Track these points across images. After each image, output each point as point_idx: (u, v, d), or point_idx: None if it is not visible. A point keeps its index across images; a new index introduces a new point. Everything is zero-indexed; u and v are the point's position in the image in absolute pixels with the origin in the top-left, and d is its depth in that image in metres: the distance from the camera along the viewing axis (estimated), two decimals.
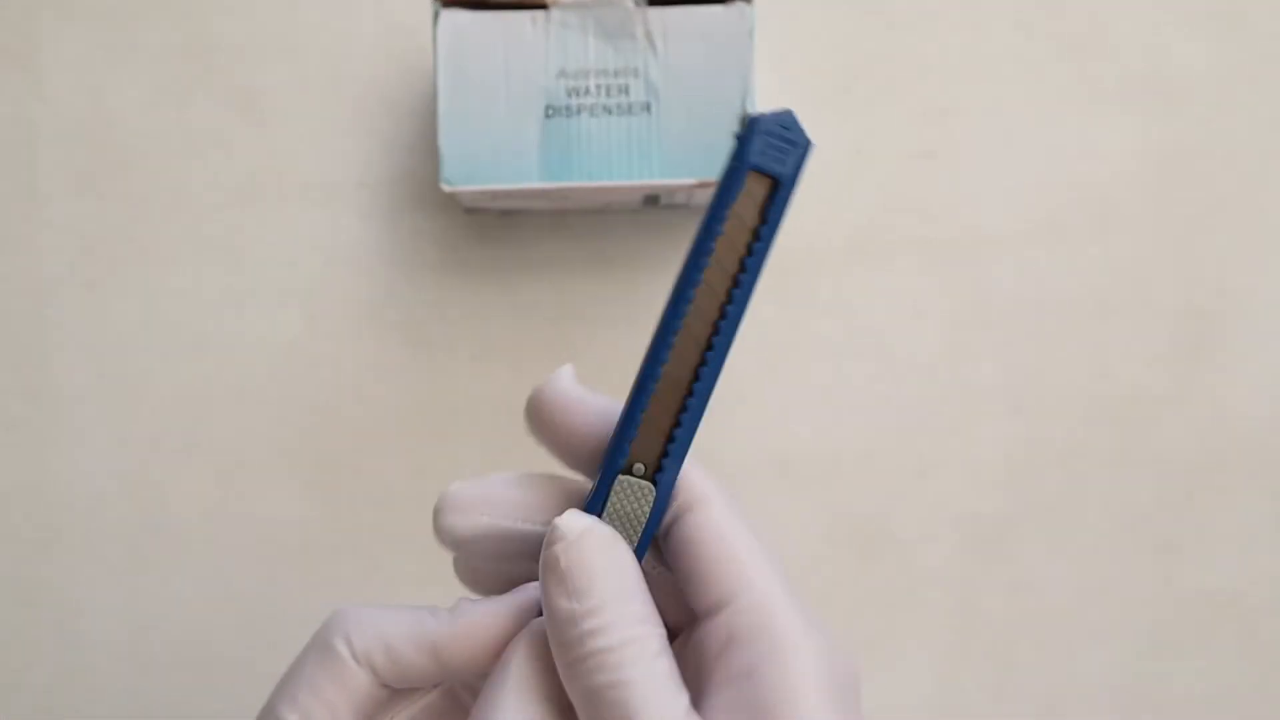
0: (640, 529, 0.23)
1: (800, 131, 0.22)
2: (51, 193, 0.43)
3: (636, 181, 0.37)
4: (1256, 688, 0.44)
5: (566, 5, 0.36)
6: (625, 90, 0.36)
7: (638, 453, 0.23)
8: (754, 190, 0.22)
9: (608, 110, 0.36)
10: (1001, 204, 0.43)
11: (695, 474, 0.24)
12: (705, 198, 0.39)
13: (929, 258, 0.43)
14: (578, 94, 0.36)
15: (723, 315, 0.23)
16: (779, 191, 0.22)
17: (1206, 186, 0.43)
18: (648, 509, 0.23)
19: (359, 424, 0.43)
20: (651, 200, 0.40)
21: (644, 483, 0.23)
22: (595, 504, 0.23)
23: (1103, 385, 0.43)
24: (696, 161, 0.37)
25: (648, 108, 0.37)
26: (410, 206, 0.43)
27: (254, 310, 0.43)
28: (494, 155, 0.36)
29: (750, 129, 0.22)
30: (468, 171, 0.36)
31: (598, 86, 0.36)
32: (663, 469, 0.23)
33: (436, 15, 0.36)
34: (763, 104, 0.42)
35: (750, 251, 0.22)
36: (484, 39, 0.36)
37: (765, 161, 0.22)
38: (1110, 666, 0.44)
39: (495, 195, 0.37)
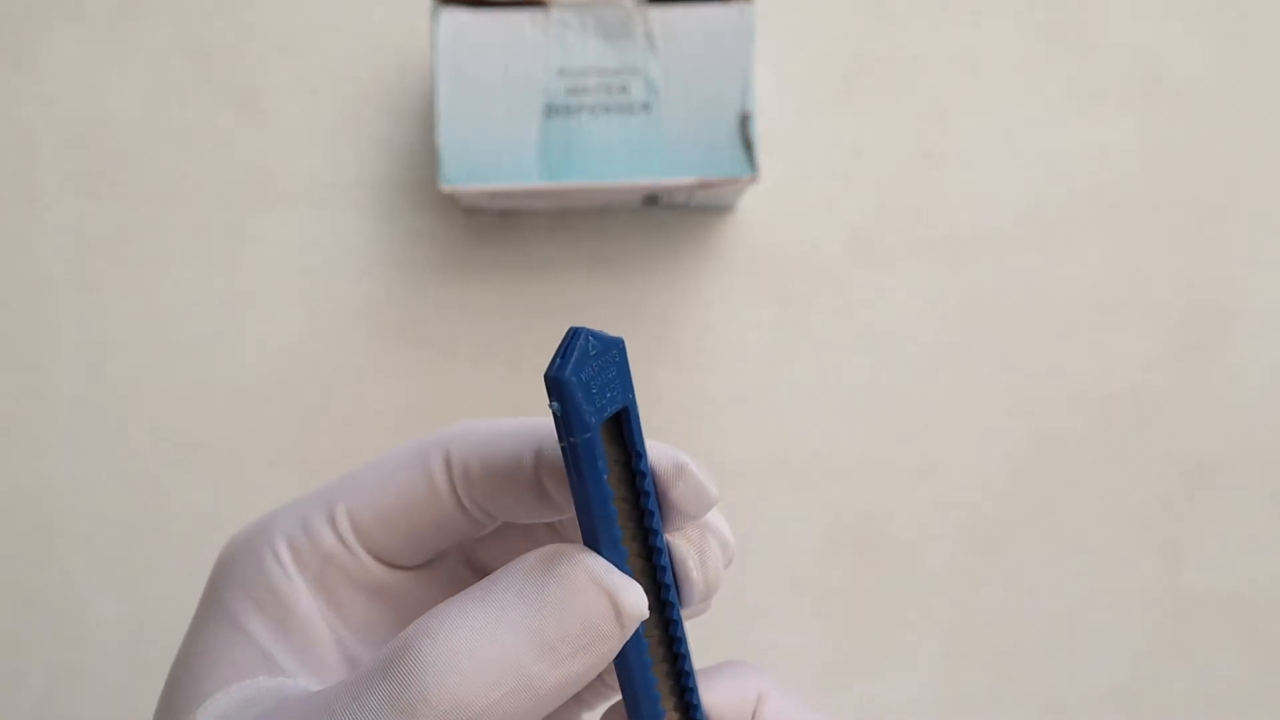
0: None
1: (593, 343, 0.18)
2: (50, 193, 0.43)
3: (636, 181, 0.36)
4: (1258, 688, 0.44)
5: (566, 4, 0.36)
6: (625, 89, 0.36)
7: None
8: (605, 439, 0.19)
9: (607, 109, 0.36)
10: (1001, 204, 0.43)
11: (742, 677, 0.22)
12: (705, 198, 0.39)
13: (929, 258, 0.43)
14: (577, 93, 0.36)
15: (660, 578, 0.20)
16: (630, 415, 0.19)
17: (1206, 186, 0.43)
18: None
19: (358, 424, 0.43)
20: (651, 200, 0.40)
21: None
22: None
23: (1104, 385, 0.43)
24: (696, 161, 0.37)
25: (647, 107, 0.36)
26: (409, 206, 0.43)
27: (253, 310, 0.43)
28: (493, 155, 0.36)
29: (561, 392, 0.18)
30: (467, 171, 0.36)
31: (597, 85, 0.36)
32: (695, 705, 0.21)
33: (436, 14, 0.36)
34: (763, 104, 0.42)
35: (642, 490, 0.20)
36: (483, 38, 0.36)
37: (603, 404, 0.18)
38: (1111, 667, 0.44)
39: (494, 195, 0.37)
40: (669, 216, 0.43)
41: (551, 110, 0.36)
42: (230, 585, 0.22)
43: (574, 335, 0.18)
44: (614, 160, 0.36)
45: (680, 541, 0.21)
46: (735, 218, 0.43)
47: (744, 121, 0.37)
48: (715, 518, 0.21)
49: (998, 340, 0.43)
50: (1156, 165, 0.43)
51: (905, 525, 0.43)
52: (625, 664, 0.20)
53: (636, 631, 0.20)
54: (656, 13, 0.36)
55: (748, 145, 0.37)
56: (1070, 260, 0.43)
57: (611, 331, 0.42)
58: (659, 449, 0.20)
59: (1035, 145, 0.43)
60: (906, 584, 0.43)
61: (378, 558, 0.22)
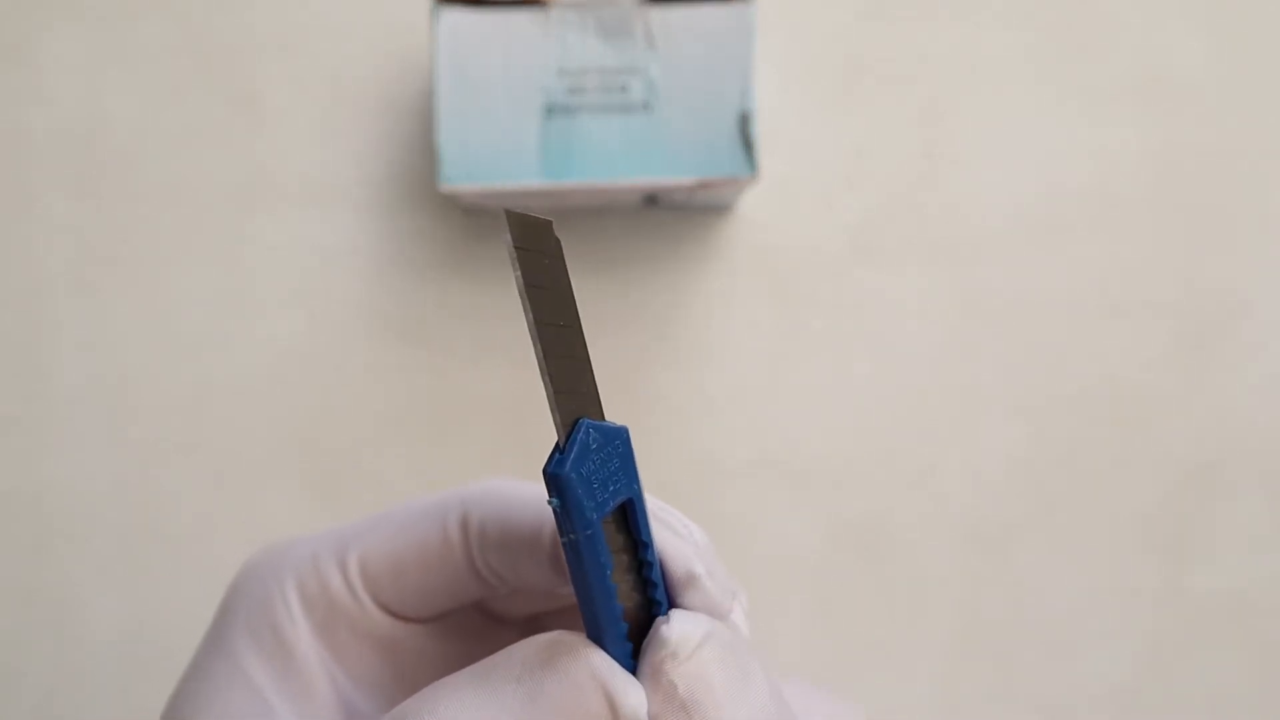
0: None
1: (594, 435, 0.17)
2: (48, 192, 0.42)
3: (636, 181, 0.36)
4: (1260, 689, 0.44)
5: (566, 3, 0.36)
6: (625, 89, 0.36)
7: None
8: (610, 531, 0.18)
9: (607, 109, 0.36)
10: (1001, 204, 0.43)
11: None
12: (705, 198, 0.39)
13: (929, 258, 0.43)
14: (577, 93, 0.36)
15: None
16: (635, 506, 0.19)
17: (1207, 185, 0.43)
18: None
19: (357, 424, 0.43)
20: (651, 200, 0.40)
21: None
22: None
23: (1104, 385, 0.43)
24: (696, 161, 0.37)
25: (647, 107, 0.36)
26: (409, 206, 0.43)
27: (252, 310, 0.43)
28: (493, 154, 0.36)
29: (561, 488, 0.17)
30: (467, 170, 0.36)
31: (597, 85, 0.36)
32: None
33: (435, 13, 0.36)
34: (763, 104, 0.42)
35: (649, 581, 0.19)
36: (483, 37, 0.36)
37: (605, 498, 0.18)
38: (1112, 668, 0.44)
39: (494, 195, 0.37)
40: (669, 216, 0.43)
41: (551, 110, 0.36)
42: (235, 621, 0.21)
43: (575, 428, 0.17)
44: (614, 160, 0.36)
45: None
46: (735, 218, 0.43)
47: (744, 121, 0.37)
48: (735, 616, 0.20)
49: (998, 340, 0.43)
50: (1157, 165, 0.43)
51: (905, 525, 0.43)
52: None
53: None
54: (656, 12, 0.36)
55: (748, 145, 0.37)
56: (1070, 260, 0.43)
57: (610, 332, 0.43)
58: (674, 552, 0.19)
59: (1035, 145, 0.43)
60: (906, 584, 0.43)
61: (386, 608, 0.21)
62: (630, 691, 0.18)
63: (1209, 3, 0.43)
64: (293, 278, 0.43)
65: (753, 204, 0.43)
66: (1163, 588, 0.43)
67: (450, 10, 0.36)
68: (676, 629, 0.18)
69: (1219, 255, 0.43)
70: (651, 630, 0.19)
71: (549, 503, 0.17)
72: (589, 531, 0.17)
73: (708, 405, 0.43)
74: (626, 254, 0.43)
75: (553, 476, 0.17)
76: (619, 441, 0.18)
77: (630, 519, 0.19)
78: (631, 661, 0.19)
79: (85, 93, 0.42)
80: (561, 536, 0.18)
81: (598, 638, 0.18)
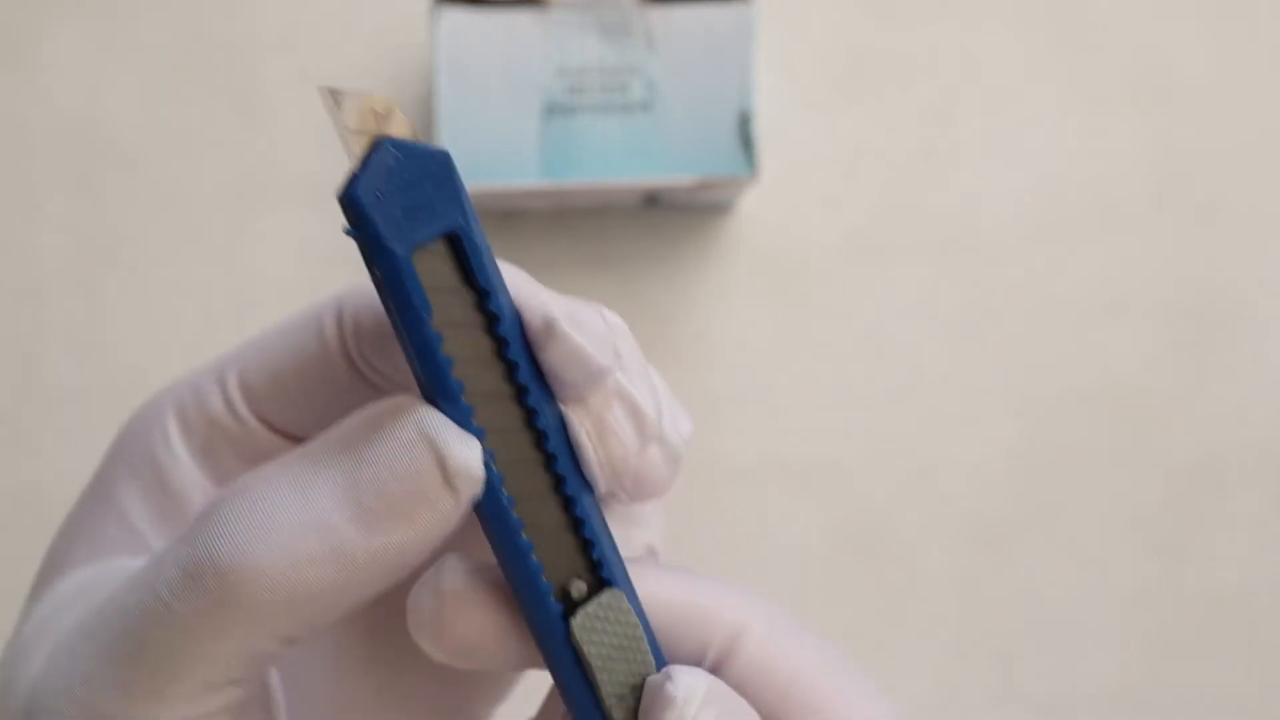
0: (645, 643, 0.17)
1: (395, 155, 0.15)
2: (48, 191, 0.42)
3: (636, 180, 0.36)
4: (1260, 690, 0.44)
5: (566, 3, 0.36)
6: (625, 89, 0.36)
7: (557, 574, 0.17)
8: (436, 271, 0.16)
9: (607, 109, 0.36)
10: (1001, 204, 0.43)
11: (716, 606, 0.18)
12: (705, 198, 0.39)
13: (929, 258, 0.43)
14: (577, 92, 0.36)
15: (545, 446, 0.17)
16: (465, 243, 0.16)
17: (1207, 185, 0.43)
18: (633, 619, 0.17)
19: None
20: (651, 200, 0.40)
21: (606, 596, 0.17)
22: (568, 673, 0.17)
23: (1105, 385, 0.43)
24: (696, 160, 0.37)
25: (647, 106, 0.36)
26: None
27: (250, 310, 0.43)
28: (493, 154, 0.36)
29: (352, 212, 0.15)
30: (467, 170, 0.36)
31: (597, 85, 0.36)
32: (604, 564, 0.17)
33: (436, 13, 0.36)
34: (763, 104, 0.42)
35: (501, 338, 0.17)
36: (483, 37, 0.36)
37: (414, 228, 0.15)
38: (1113, 668, 0.44)
39: (494, 195, 0.37)
40: (669, 216, 0.43)
41: (551, 109, 0.36)
42: (113, 457, 0.20)
43: (374, 147, 0.15)
44: (614, 159, 0.36)
45: (575, 412, 0.17)
46: (735, 218, 0.43)
47: (744, 121, 0.37)
48: (632, 382, 0.18)
49: (998, 340, 0.43)
50: (1156, 165, 0.43)
51: (905, 525, 0.43)
52: (490, 536, 0.17)
53: (497, 501, 0.17)
54: (656, 12, 0.36)
55: (748, 145, 0.37)
56: (1070, 260, 0.43)
57: None
58: (529, 300, 0.17)
59: (1035, 145, 0.43)
60: (906, 584, 0.43)
61: (272, 425, 0.19)
62: (458, 442, 0.16)
63: (1209, 3, 0.43)
64: (292, 278, 0.43)
65: (753, 204, 0.43)
66: (1163, 587, 0.43)
67: (450, 10, 0.36)
68: (682, 687, 0.17)
69: (1219, 255, 0.43)
70: (648, 688, 0.17)
71: (345, 232, 0.15)
72: (394, 264, 0.15)
73: (708, 405, 0.43)
74: (626, 254, 0.43)
75: (341, 198, 0.15)
76: (435, 165, 0.16)
77: (463, 260, 0.16)
78: (475, 424, 0.16)
79: (85, 93, 0.42)
80: (370, 274, 0.16)
81: (429, 395, 0.16)
